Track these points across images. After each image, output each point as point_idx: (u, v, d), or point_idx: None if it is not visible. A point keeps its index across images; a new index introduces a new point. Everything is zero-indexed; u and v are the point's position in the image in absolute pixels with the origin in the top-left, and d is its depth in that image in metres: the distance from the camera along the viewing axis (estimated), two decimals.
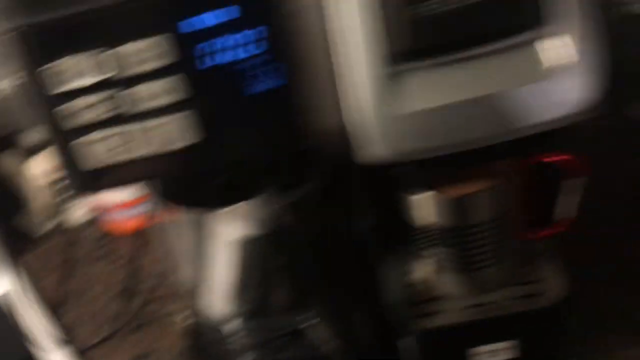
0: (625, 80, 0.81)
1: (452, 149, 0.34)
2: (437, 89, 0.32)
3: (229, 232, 0.53)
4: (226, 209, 0.51)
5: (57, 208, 0.82)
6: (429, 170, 0.37)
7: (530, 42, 0.33)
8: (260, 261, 0.54)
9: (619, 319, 0.58)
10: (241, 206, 0.50)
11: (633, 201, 0.68)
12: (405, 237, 0.52)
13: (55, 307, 0.73)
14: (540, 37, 0.33)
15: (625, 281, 0.61)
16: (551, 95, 0.33)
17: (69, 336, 0.70)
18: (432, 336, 0.50)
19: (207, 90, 0.35)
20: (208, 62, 0.34)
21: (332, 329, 0.48)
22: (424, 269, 0.51)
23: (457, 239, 0.47)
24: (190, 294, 0.58)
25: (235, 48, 0.34)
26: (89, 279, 0.75)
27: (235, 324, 0.57)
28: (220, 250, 0.54)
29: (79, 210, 0.82)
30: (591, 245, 0.64)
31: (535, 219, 0.51)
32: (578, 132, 0.40)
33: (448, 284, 0.51)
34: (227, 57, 0.34)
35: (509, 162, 0.47)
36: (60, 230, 0.83)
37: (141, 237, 0.67)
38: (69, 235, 0.82)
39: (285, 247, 0.47)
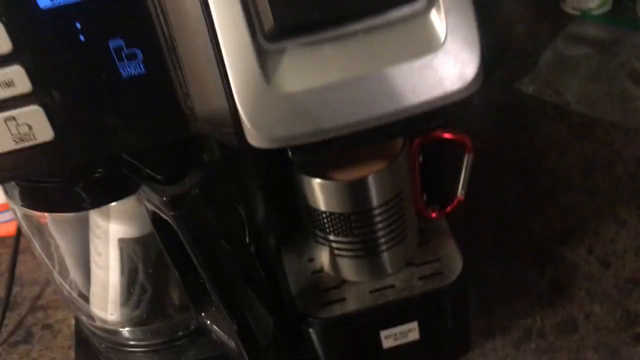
0: (513, 56, 0.83)
1: (338, 132, 0.32)
2: (317, 68, 0.29)
3: (113, 231, 0.49)
4: (108, 207, 0.47)
5: None
6: (315, 154, 0.35)
7: (414, 16, 0.31)
8: (150, 260, 0.51)
9: (516, 290, 0.59)
10: (122, 203, 0.46)
11: (524, 175, 0.70)
12: (304, 224, 0.50)
13: None
14: (425, 11, 0.31)
15: (519, 254, 0.62)
16: (437, 71, 0.32)
17: None
18: (336, 324, 0.48)
19: (64, 78, 0.31)
20: (64, 44, 0.30)
21: (233, 324, 0.45)
22: (324, 256, 0.50)
23: (354, 223, 0.46)
24: (80, 299, 0.53)
25: (91, 30, 0.30)
26: None
27: (131, 328, 0.53)
28: (106, 251, 0.50)
29: None
30: (485, 220, 0.65)
31: (429, 198, 0.50)
32: (468, 108, 0.39)
33: (348, 270, 0.49)
34: (85, 39, 0.30)
35: (400, 141, 0.46)
36: None
37: (19, 242, 0.61)
38: None
39: (177, 242, 0.43)
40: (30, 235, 0.51)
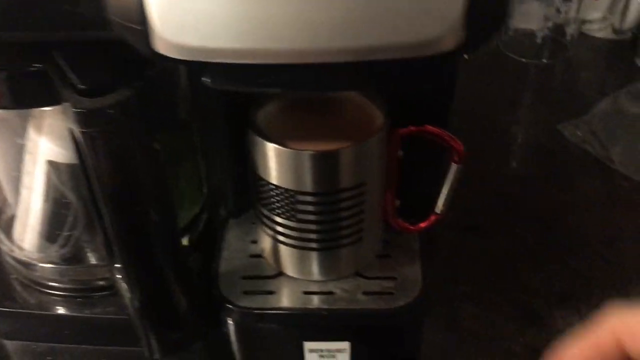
0: (566, 95, 0.74)
1: (269, 58, 0.25)
2: None
3: (43, 150, 0.43)
4: (41, 120, 0.42)
5: None
6: (235, 83, 0.28)
7: None
8: (78, 195, 0.45)
9: (484, 345, 0.50)
10: (54, 119, 0.41)
11: (540, 223, 0.61)
12: (252, 199, 0.43)
13: None
14: None
15: (503, 305, 0.53)
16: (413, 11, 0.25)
17: None
18: (257, 318, 0.41)
19: None
20: None
21: (134, 297, 0.39)
22: (265, 240, 0.43)
23: (300, 205, 0.39)
24: (6, 226, 0.48)
25: None
26: None
27: (47, 265, 0.47)
28: (34, 171, 0.45)
29: None
30: (479, 259, 0.56)
31: (403, 206, 0.43)
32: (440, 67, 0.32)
33: (287, 260, 0.42)
34: None
35: (379, 123, 0.39)
36: None
37: None
38: None
39: (101, 176, 0.38)
40: None
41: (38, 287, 0.48)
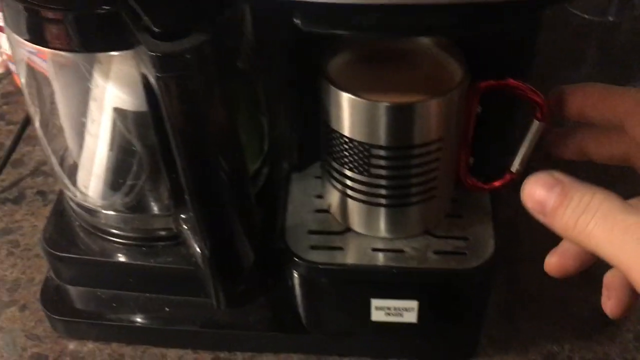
0: None
1: None
2: None
3: (110, 97, 0.43)
4: (109, 67, 0.41)
5: None
6: (327, 24, 0.27)
7: None
8: (144, 144, 0.45)
9: (550, 308, 0.49)
10: (122, 64, 0.40)
11: None
12: (321, 152, 0.42)
13: None
14: None
15: None
16: None
17: None
18: (323, 273, 0.41)
19: None
20: None
21: (205, 247, 0.38)
22: (334, 194, 0.42)
23: (373, 159, 0.38)
24: (68, 170, 0.48)
25: None
26: None
27: (109, 212, 0.47)
28: (99, 118, 0.44)
29: None
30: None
31: (476, 164, 0.41)
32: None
33: (355, 216, 0.41)
34: None
35: (458, 76, 0.37)
36: None
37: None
38: None
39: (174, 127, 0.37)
40: (27, 92, 0.46)
41: (101, 234, 0.48)
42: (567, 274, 0.35)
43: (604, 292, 0.34)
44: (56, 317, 0.47)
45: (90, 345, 0.47)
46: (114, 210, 0.47)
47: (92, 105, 0.44)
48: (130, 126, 0.44)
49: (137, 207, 0.47)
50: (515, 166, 0.40)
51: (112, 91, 0.42)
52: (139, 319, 0.47)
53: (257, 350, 0.46)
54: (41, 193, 0.59)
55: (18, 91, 0.70)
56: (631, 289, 0.33)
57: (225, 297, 0.41)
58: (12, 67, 0.70)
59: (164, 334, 0.47)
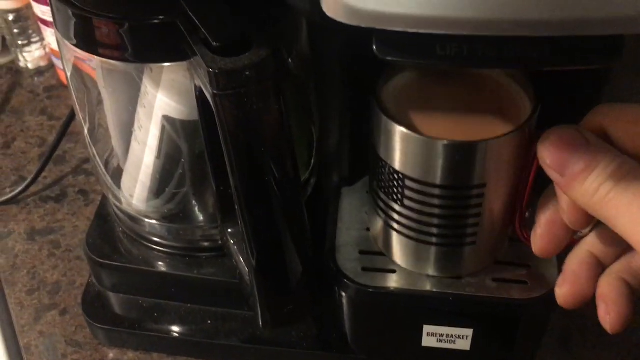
0: None
1: (455, 28, 0.22)
2: None
3: (160, 105, 0.41)
4: (160, 74, 0.40)
5: (12, 44, 0.71)
6: (409, 54, 0.25)
7: None
8: (191, 153, 0.43)
9: (611, 342, 0.47)
10: (174, 73, 0.39)
11: None
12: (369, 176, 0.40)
13: None
14: None
15: None
16: None
17: None
18: (375, 297, 0.39)
19: None
20: None
21: (252, 259, 0.37)
22: (377, 224, 0.40)
23: (407, 191, 0.35)
24: (113, 175, 0.47)
25: None
26: (19, 130, 0.65)
27: (153, 221, 0.46)
28: (148, 126, 0.43)
29: (36, 53, 0.71)
30: None
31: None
32: None
33: (401, 252, 0.39)
34: None
35: (530, 114, 0.34)
36: (10, 69, 0.72)
37: None
38: (16, 78, 0.71)
39: (224, 136, 0.35)
40: (74, 92, 0.45)
41: (145, 243, 0.47)
42: (585, 300, 0.32)
43: (601, 305, 0.31)
44: (97, 325, 0.47)
45: (130, 355, 0.47)
46: (157, 220, 0.46)
47: (141, 112, 0.43)
48: (178, 134, 0.42)
49: (181, 217, 0.46)
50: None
51: (162, 99, 0.41)
52: (180, 330, 0.46)
53: None
54: (83, 192, 0.59)
55: (61, 85, 0.70)
56: (629, 299, 0.31)
57: (272, 316, 0.40)
58: (56, 61, 0.69)
59: (206, 346, 0.46)
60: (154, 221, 0.46)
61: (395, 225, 0.38)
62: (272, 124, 0.33)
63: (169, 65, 0.39)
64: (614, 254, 0.32)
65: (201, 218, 0.46)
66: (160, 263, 0.46)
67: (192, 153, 0.43)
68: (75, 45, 0.38)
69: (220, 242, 0.45)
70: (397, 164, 0.35)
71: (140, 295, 0.47)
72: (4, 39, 0.72)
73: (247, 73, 0.31)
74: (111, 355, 0.47)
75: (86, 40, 0.36)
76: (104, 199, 0.50)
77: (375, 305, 0.40)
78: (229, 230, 0.42)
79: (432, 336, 0.40)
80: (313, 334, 0.45)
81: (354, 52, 0.37)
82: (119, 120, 0.45)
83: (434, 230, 0.36)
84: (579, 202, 0.27)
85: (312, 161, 0.48)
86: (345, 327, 0.43)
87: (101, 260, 0.46)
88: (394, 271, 0.39)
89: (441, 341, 0.40)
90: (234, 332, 0.45)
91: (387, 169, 0.36)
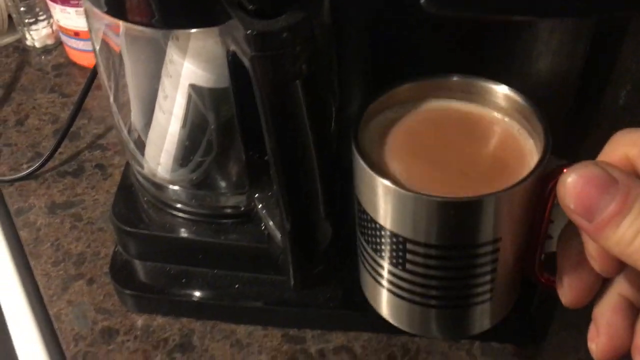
0: None
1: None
2: None
3: (186, 73, 0.42)
4: (187, 41, 0.40)
5: (19, 23, 0.71)
6: (456, 7, 0.26)
7: None
8: (218, 121, 0.44)
9: None
10: (202, 40, 0.39)
11: None
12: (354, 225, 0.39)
13: None
14: None
15: None
16: None
17: None
18: None
19: None
20: None
21: (287, 222, 0.38)
22: (365, 278, 0.38)
23: (409, 254, 0.32)
24: (136, 145, 0.48)
25: None
26: (31, 107, 0.65)
27: (178, 188, 0.47)
28: (173, 95, 0.44)
29: (43, 31, 0.71)
30: None
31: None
32: None
33: (390, 310, 0.37)
34: None
35: (539, 160, 0.30)
36: (16, 48, 0.72)
37: (96, 72, 0.56)
38: (24, 56, 0.71)
39: (251, 102, 0.36)
40: (100, 62, 0.45)
41: (170, 210, 0.48)
42: (625, 352, 0.28)
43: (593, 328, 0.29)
44: (126, 291, 0.48)
45: (159, 320, 0.48)
46: (182, 187, 0.47)
47: (166, 82, 0.43)
48: (205, 102, 0.43)
49: (207, 184, 0.47)
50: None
51: (189, 67, 0.41)
52: (208, 295, 0.47)
53: (327, 328, 0.47)
54: (100, 166, 0.59)
55: (69, 63, 0.70)
56: (629, 329, 0.27)
57: (303, 277, 0.41)
58: (64, 38, 0.69)
59: (234, 310, 0.47)
60: (179, 189, 0.47)
61: (385, 283, 0.35)
62: (308, 86, 0.34)
63: (196, 32, 0.39)
64: None
65: (227, 184, 0.47)
66: (185, 230, 0.47)
67: (219, 120, 0.44)
68: (106, 13, 0.38)
69: (246, 208, 0.46)
70: (381, 219, 0.32)
71: (167, 262, 0.48)
72: (10, 17, 0.72)
73: (285, 35, 0.32)
74: (140, 321, 0.48)
75: (116, 6, 0.37)
76: (126, 169, 0.51)
77: None
78: (257, 195, 0.43)
79: None
80: (339, 295, 0.46)
81: (378, 18, 0.38)
82: (144, 90, 0.46)
83: (438, 293, 0.33)
84: (611, 251, 0.24)
85: (331, 129, 0.49)
86: None
87: (128, 229, 0.47)
88: None
89: None
90: (261, 295, 0.47)
91: (370, 222, 0.33)
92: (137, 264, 0.49)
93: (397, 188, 0.30)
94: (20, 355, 0.48)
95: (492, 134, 0.33)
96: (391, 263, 0.33)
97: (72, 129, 0.61)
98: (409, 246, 0.31)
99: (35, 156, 0.60)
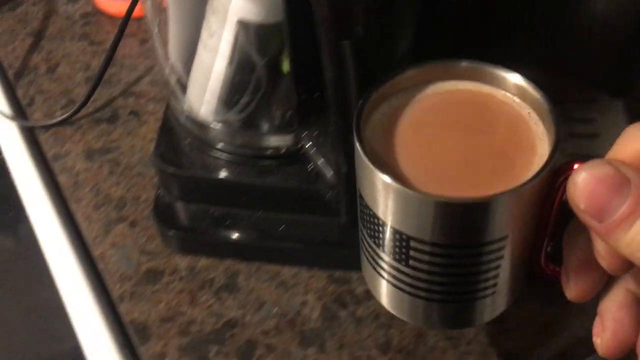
0: None
1: None
2: None
3: (235, 8, 0.41)
4: None
5: None
6: None
7: None
8: (266, 59, 0.43)
9: None
10: None
11: None
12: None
13: (16, 76, 0.63)
14: None
15: None
16: None
17: (25, 110, 0.61)
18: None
19: None
20: None
21: (344, 163, 0.37)
22: (368, 270, 0.36)
23: (411, 251, 0.31)
24: (180, 83, 0.47)
25: None
26: (61, 55, 0.64)
27: (221, 128, 0.47)
28: (220, 32, 0.43)
29: None
30: None
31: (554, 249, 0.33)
32: None
33: (394, 302, 0.36)
34: None
35: (548, 157, 0.29)
36: None
37: (128, 20, 0.55)
38: (50, 5, 0.70)
39: (306, 39, 0.36)
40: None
41: (213, 152, 0.48)
42: (630, 348, 0.28)
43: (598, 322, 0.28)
44: (170, 233, 0.48)
45: (203, 262, 0.48)
46: (227, 126, 0.47)
47: (212, 19, 0.43)
48: (252, 39, 0.42)
49: (252, 123, 0.46)
50: None
51: (237, 2, 0.41)
52: (252, 237, 0.47)
53: None
54: (135, 113, 0.59)
55: (97, 12, 0.69)
56: (635, 326, 0.27)
57: (353, 216, 0.41)
58: None
59: (278, 251, 0.47)
60: (223, 129, 0.47)
61: (388, 277, 0.34)
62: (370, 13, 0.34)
63: None
64: None
65: (273, 124, 0.46)
66: (229, 171, 0.47)
67: (267, 58, 0.43)
68: None
69: (291, 148, 0.45)
70: (381, 214, 0.31)
71: (210, 204, 0.48)
72: None
73: None
74: (184, 262, 0.48)
75: None
76: (167, 112, 0.50)
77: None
78: (305, 133, 0.43)
79: None
80: None
81: None
82: (185, 30, 0.45)
83: (441, 289, 0.32)
84: (622, 252, 0.23)
85: None
86: None
87: (171, 171, 0.47)
88: None
89: None
90: (306, 236, 0.46)
91: (373, 217, 0.32)
92: (180, 206, 0.49)
93: (403, 187, 0.29)
94: (65, 296, 0.48)
95: (502, 116, 0.32)
96: (394, 258, 0.32)
97: (104, 77, 0.61)
98: (412, 244, 0.31)
99: (68, 103, 0.60)
